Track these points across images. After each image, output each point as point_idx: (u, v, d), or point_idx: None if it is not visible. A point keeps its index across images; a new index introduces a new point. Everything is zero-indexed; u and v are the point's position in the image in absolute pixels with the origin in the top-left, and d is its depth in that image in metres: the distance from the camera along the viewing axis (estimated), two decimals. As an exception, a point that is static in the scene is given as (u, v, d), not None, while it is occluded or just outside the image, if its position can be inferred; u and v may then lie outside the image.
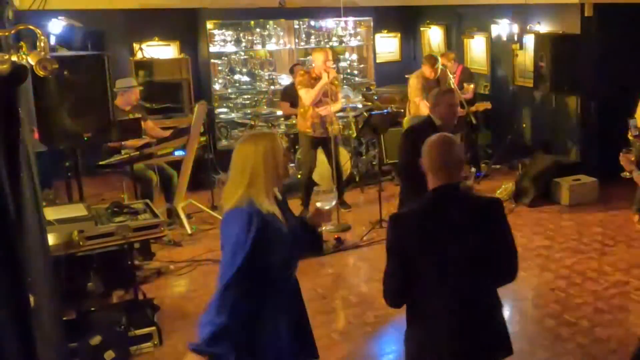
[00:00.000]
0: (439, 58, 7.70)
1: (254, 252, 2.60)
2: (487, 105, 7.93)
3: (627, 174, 4.32)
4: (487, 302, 2.70)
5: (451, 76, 8.02)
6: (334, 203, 3.02)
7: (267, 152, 2.71)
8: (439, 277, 2.61)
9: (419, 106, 7.49)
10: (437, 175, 2.66)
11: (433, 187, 2.67)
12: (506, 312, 5.18)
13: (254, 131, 2.86)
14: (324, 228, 3.12)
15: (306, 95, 6.73)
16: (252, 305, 2.68)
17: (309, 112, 6.83)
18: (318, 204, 3.00)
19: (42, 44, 2.26)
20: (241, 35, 9.25)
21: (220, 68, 9.27)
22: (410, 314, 2.75)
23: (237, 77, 9.41)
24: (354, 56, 10.27)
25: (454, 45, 9.90)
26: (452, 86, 7.77)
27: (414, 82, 7.64)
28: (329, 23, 9.72)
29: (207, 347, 2.52)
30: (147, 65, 8.73)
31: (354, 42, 10.05)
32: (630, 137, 5.47)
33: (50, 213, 4.16)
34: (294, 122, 8.01)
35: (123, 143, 6.15)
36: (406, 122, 7.70)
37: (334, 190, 3.05)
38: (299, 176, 7.77)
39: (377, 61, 10.22)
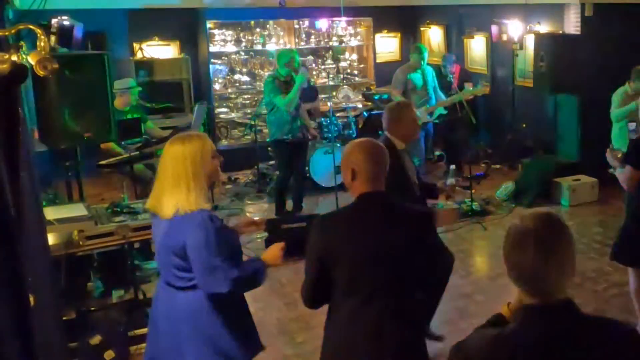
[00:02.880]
0: (427, 49, 7.68)
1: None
2: (485, 90, 7.88)
3: (613, 170, 4.38)
4: (405, 311, 2.61)
5: (451, 77, 8.03)
6: (264, 214, 3.04)
7: (198, 153, 2.70)
8: (361, 282, 2.57)
9: (393, 97, 7.53)
10: (369, 182, 2.61)
11: (359, 193, 2.62)
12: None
13: (182, 133, 2.85)
14: (258, 236, 3.15)
15: (282, 101, 6.60)
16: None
17: (286, 116, 6.74)
18: (248, 214, 3.03)
19: (42, 44, 2.26)
20: (241, 35, 9.26)
21: (220, 68, 9.28)
22: (328, 316, 2.70)
23: (237, 77, 9.42)
24: (354, 56, 10.28)
25: (454, 45, 9.90)
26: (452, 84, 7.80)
27: (397, 72, 7.63)
28: (329, 23, 9.73)
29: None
30: (147, 65, 8.74)
31: (354, 42, 10.07)
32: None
33: (50, 213, 4.17)
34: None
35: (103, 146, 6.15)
36: None
37: (263, 203, 3.08)
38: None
39: (377, 61, 10.23)
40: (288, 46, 9.41)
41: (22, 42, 2.39)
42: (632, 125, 5.52)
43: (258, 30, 9.35)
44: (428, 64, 7.75)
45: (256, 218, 3.08)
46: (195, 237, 2.66)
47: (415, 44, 8.36)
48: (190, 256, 2.67)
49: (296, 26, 9.53)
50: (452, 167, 6.85)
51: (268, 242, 5.98)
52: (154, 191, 2.79)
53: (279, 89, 6.66)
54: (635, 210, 4.24)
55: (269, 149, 8.37)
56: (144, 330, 4.42)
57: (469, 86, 8.34)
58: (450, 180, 4.24)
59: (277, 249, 2.88)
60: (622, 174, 4.12)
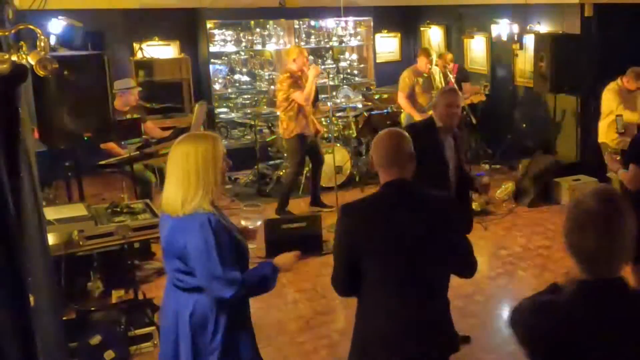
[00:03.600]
0: (434, 54, 7.68)
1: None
2: (481, 97, 7.88)
3: (613, 173, 4.39)
4: (436, 297, 2.68)
5: (451, 76, 8.02)
6: (259, 222, 3.05)
7: (210, 152, 2.67)
8: (386, 271, 2.60)
9: (399, 100, 7.53)
10: (388, 170, 2.66)
11: (385, 182, 2.67)
12: (506, 312, 5.19)
13: (194, 132, 2.83)
14: (250, 246, 3.15)
15: (302, 96, 6.71)
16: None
17: (305, 111, 6.82)
18: (243, 222, 3.04)
19: (42, 44, 2.26)
20: (241, 35, 9.26)
21: (220, 68, 9.28)
22: (359, 307, 2.72)
23: (237, 77, 9.42)
24: (354, 56, 10.28)
25: (454, 45, 9.90)
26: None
27: (404, 74, 7.62)
28: (329, 23, 9.73)
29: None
30: (147, 65, 8.74)
31: (354, 42, 10.07)
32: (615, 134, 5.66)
33: (50, 213, 4.16)
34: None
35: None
36: (403, 118, 7.74)
37: (259, 211, 3.09)
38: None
39: (377, 61, 10.23)
40: (288, 46, 9.41)
41: (22, 42, 2.39)
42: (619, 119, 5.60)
43: (258, 30, 9.35)
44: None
45: (250, 227, 3.08)
46: (195, 242, 2.62)
47: (424, 47, 8.31)
48: (192, 261, 2.65)
49: (296, 26, 9.53)
50: (486, 166, 6.80)
51: (268, 243, 5.99)
52: (164, 190, 2.75)
53: (296, 84, 6.76)
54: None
55: (269, 148, 8.38)
56: (144, 330, 4.44)
57: (466, 86, 8.34)
58: (485, 179, 4.45)
59: (292, 256, 2.87)
60: (625, 173, 4.13)
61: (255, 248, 6.00)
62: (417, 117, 7.24)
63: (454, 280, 2.80)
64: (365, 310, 2.68)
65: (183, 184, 2.66)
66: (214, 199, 2.71)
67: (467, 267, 2.77)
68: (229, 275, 2.62)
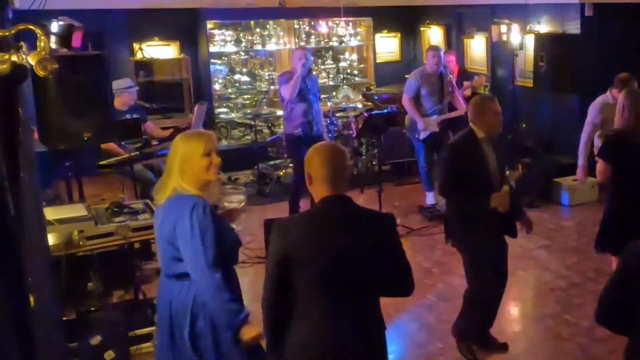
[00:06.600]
0: (441, 49, 7.56)
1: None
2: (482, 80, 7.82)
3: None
4: (366, 319, 2.60)
5: (450, 76, 8.01)
6: (242, 203, 3.12)
7: (188, 153, 2.80)
8: (316, 290, 2.54)
9: (403, 101, 7.42)
10: (323, 185, 2.58)
11: (320, 198, 2.60)
12: (506, 313, 5.19)
13: (192, 130, 3.04)
14: (234, 227, 3.18)
15: (286, 90, 6.56)
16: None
17: (298, 110, 6.65)
18: (226, 203, 3.09)
19: (42, 44, 2.26)
20: (241, 35, 9.26)
21: (220, 68, 9.29)
22: (290, 323, 2.62)
23: (237, 77, 9.42)
24: (354, 56, 10.29)
25: (454, 45, 9.90)
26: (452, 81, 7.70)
27: (410, 75, 7.51)
28: (329, 23, 9.74)
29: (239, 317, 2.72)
30: (147, 65, 8.74)
31: (354, 42, 10.07)
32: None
33: (50, 213, 4.17)
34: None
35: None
36: (407, 120, 7.70)
37: (242, 192, 3.17)
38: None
39: (377, 61, 10.23)
40: (288, 46, 9.42)
41: (22, 42, 2.39)
42: (597, 141, 5.60)
43: (258, 30, 9.35)
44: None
45: (233, 206, 3.16)
46: (183, 225, 2.71)
47: (432, 45, 8.18)
48: (180, 245, 2.73)
49: (296, 26, 9.54)
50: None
51: (268, 243, 5.98)
52: (160, 180, 2.92)
53: (287, 81, 6.62)
54: (610, 202, 4.41)
55: (269, 148, 8.38)
56: (144, 330, 4.44)
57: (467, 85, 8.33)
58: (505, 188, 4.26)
59: (257, 334, 2.77)
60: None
61: (255, 249, 6.01)
62: (420, 121, 7.18)
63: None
64: (294, 325, 2.59)
65: (173, 176, 2.82)
66: (202, 187, 2.82)
67: (404, 288, 2.69)
68: (210, 272, 2.71)
